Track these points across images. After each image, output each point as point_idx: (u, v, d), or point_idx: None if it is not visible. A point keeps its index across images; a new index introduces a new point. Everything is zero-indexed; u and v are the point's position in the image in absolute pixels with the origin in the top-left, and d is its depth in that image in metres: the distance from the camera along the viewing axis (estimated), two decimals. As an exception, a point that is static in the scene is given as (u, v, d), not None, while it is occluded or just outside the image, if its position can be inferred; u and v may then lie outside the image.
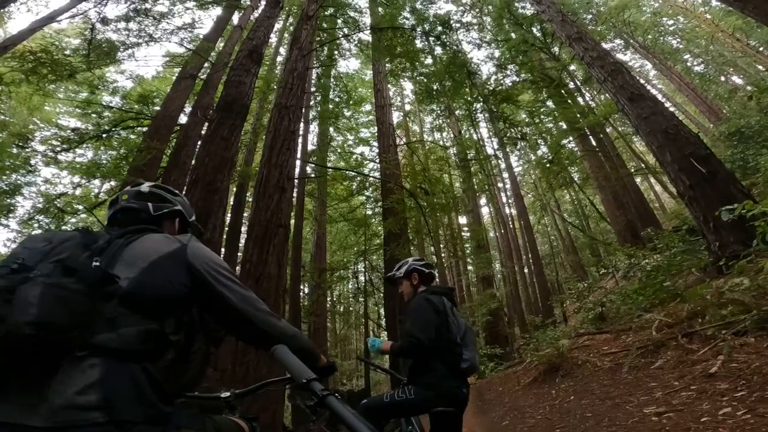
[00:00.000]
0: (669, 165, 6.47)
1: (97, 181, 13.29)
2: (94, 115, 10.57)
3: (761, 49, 19.19)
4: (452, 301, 2.52)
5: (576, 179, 17.28)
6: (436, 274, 2.69)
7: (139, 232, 1.14)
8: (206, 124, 9.09)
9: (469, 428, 5.29)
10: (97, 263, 0.95)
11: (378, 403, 2.36)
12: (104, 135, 9.83)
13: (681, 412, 2.95)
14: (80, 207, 11.74)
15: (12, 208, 11.13)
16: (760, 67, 19.37)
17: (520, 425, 4.52)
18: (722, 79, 22.36)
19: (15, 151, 9.98)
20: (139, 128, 10.56)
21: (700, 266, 6.84)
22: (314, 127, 17.15)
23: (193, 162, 8.44)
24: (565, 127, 15.03)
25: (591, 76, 9.72)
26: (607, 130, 15.49)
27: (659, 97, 20.14)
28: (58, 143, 10.20)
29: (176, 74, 11.79)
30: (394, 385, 2.58)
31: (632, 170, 15.00)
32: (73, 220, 12.48)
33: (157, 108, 10.49)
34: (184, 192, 8.20)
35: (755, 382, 2.83)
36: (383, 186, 11.32)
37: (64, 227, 11.33)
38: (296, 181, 11.95)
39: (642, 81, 11.56)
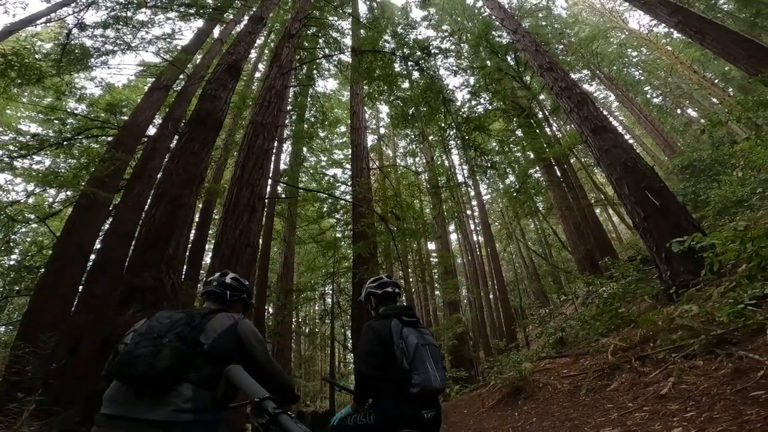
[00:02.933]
0: (626, 197, 6.81)
1: (52, 191, 12.78)
2: (56, 122, 10.22)
3: (716, 81, 20.41)
4: (409, 319, 2.40)
5: (541, 208, 17.91)
6: (395, 288, 2.63)
7: (214, 312, 1.95)
8: (176, 137, 8.92)
9: (433, 451, 5.24)
10: (193, 335, 1.78)
11: (343, 427, 2.36)
12: (65, 143, 9.50)
13: None
14: (32, 216, 11.16)
15: None
16: (715, 100, 20.58)
17: None
18: (678, 111, 23.94)
19: None
20: (103, 137, 10.29)
21: (652, 294, 7.19)
22: (287, 146, 17.12)
23: (160, 175, 8.21)
24: (532, 156, 15.66)
25: (559, 106, 10.03)
26: (571, 160, 16.20)
27: (620, 129, 21.37)
28: (16, 149, 9.75)
29: (149, 84, 11.54)
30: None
31: (593, 201, 15.72)
32: (24, 229, 11.87)
33: (125, 118, 10.28)
34: (148, 205, 7.97)
35: (704, 403, 3.00)
36: (354, 209, 11.35)
37: (13, 236, 10.87)
38: (266, 200, 11.86)
39: (605, 112, 12.25)
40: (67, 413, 4.87)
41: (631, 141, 15.79)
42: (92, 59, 9.66)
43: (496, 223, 24.94)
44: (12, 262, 11.83)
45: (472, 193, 22.12)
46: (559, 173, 15.31)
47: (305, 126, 14.64)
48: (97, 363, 5.49)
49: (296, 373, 15.00)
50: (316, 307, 22.64)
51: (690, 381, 3.58)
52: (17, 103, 12.39)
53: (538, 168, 15.89)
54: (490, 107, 14.06)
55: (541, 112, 17.06)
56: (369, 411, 2.30)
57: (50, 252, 8.89)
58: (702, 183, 11.40)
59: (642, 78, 24.22)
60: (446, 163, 19.65)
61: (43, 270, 8.66)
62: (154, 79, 11.16)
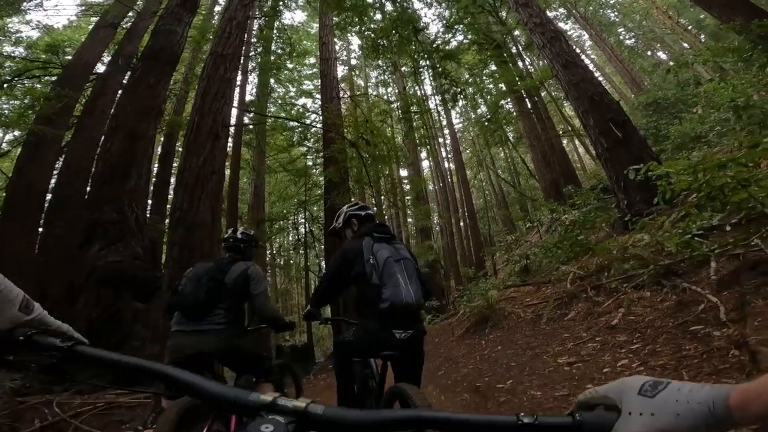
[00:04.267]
0: (591, 128, 7.05)
1: None
2: None
3: (690, 27, 20.43)
4: (381, 235, 2.38)
5: (510, 138, 18.04)
6: (367, 209, 2.66)
7: (235, 261, 2.81)
8: (129, 73, 8.28)
9: (404, 378, 5.70)
10: (220, 277, 2.66)
11: (336, 342, 2.56)
12: (5, 85, 8.96)
13: (587, 363, 3.38)
14: None
15: None
16: (686, 45, 20.68)
17: (453, 374, 4.88)
18: (648, 53, 23.99)
19: None
20: (47, 78, 9.75)
21: (610, 222, 7.57)
22: (253, 78, 16.20)
23: (113, 110, 7.68)
24: (504, 88, 15.51)
25: (532, 42, 10.02)
26: (542, 93, 16.27)
27: (591, 66, 21.40)
28: None
29: (93, 24, 10.71)
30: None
31: (560, 132, 16.00)
32: None
33: (69, 58, 9.68)
34: (102, 140, 7.51)
35: (648, 336, 3.30)
36: (325, 135, 11.17)
37: None
38: (232, 129, 11.33)
39: (577, 50, 12.13)
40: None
41: (600, 78, 15.84)
42: (25, 2, 8.61)
43: (467, 151, 25.09)
44: None
45: (444, 122, 21.88)
46: (529, 105, 15.46)
47: (272, 58, 13.99)
48: (67, 307, 5.48)
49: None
50: (290, 238, 22.80)
51: (638, 312, 3.90)
52: None
53: (509, 99, 15.91)
54: (464, 40, 13.45)
55: (514, 47, 16.79)
56: (352, 328, 2.37)
57: (3, 194, 8.46)
58: (664, 120, 11.75)
59: (617, 20, 23.94)
60: (418, 92, 19.14)
61: (-2, 214, 8.24)
62: (98, 18, 10.36)
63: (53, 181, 7.91)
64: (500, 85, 16.37)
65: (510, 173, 24.51)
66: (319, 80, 13.35)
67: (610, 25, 23.41)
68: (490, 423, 0.52)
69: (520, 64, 16.49)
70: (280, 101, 17.15)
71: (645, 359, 2.98)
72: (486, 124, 15.30)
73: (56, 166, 7.97)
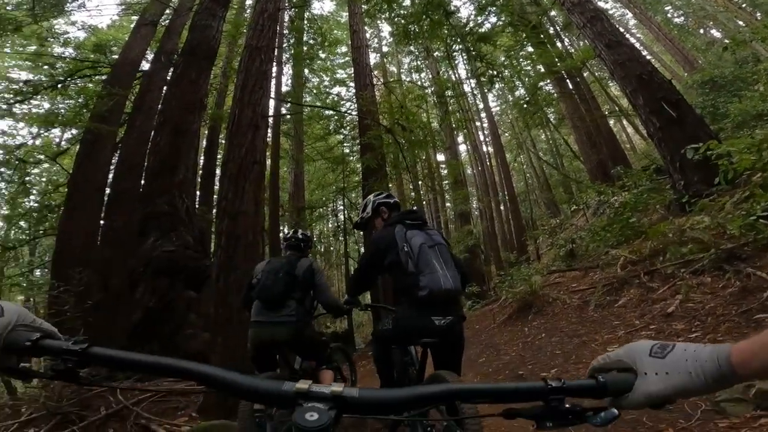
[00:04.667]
0: (641, 108, 6.70)
1: (57, 131, 13.13)
2: (46, 67, 10.09)
3: (744, 5, 18.84)
4: (414, 222, 2.35)
5: (552, 119, 17.36)
6: (385, 194, 2.66)
7: (299, 258, 3.14)
8: (171, 69, 8.65)
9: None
10: (293, 271, 2.99)
11: (375, 333, 2.66)
12: (59, 85, 9.52)
13: None
14: (42, 156, 11.37)
15: None
16: (740, 23, 19.10)
17: (495, 361, 4.82)
18: (701, 31, 22.22)
19: None
20: (97, 77, 10.24)
21: (664, 204, 7.14)
22: (288, 69, 16.45)
23: (160, 106, 8.07)
24: (542, 70, 14.91)
25: (571, 21, 9.59)
26: (584, 74, 15.58)
27: (637, 45, 20.24)
28: (11, 95, 9.71)
29: (134, 22, 11.16)
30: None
31: (606, 112, 15.21)
32: (36, 170, 12.15)
33: (116, 56, 10.10)
34: (152, 135, 7.93)
35: (708, 324, 3.10)
36: (360, 123, 11.12)
37: (28, 178, 11.56)
38: (271, 120, 11.58)
39: (621, 29, 11.45)
40: None
41: (648, 57, 14.86)
42: (68, 3, 9.09)
43: (506, 134, 24.32)
44: (33, 204, 12.51)
45: (481, 106, 21.34)
46: (571, 85, 14.83)
47: (304, 48, 14.06)
48: (129, 296, 5.86)
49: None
50: (329, 225, 23.16)
51: (697, 299, 3.67)
52: (1, 53, 11.98)
53: (549, 81, 15.27)
54: (498, 21, 12.94)
55: (552, 28, 16.07)
56: (390, 315, 2.38)
57: (66, 190, 9.12)
58: (722, 98, 10.98)
59: None
60: (453, 77, 18.72)
61: (62, 209, 8.93)
62: (138, 16, 10.76)
63: (110, 175, 8.40)
64: (538, 66, 15.73)
65: (552, 155, 23.60)
66: (352, 68, 13.29)
67: (655, 3, 21.76)
68: (520, 390, 0.54)
69: (558, 44, 15.82)
70: (314, 91, 17.28)
71: (706, 349, 2.79)
72: (525, 106, 14.74)
73: (112, 161, 8.48)
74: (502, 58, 14.58)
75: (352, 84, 14.41)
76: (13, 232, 14.15)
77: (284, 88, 16.20)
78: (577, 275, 6.81)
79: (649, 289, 4.40)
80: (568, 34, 16.66)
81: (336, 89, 18.01)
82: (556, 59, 13.94)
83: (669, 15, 22.40)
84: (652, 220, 7.08)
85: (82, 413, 3.48)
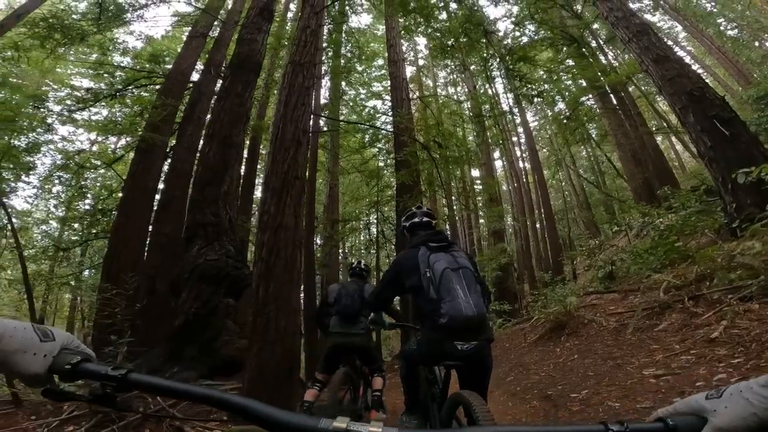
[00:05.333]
0: (691, 126, 6.40)
1: (113, 138, 13.77)
2: (106, 75, 10.76)
3: None
4: (438, 244, 2.30)
5: (594, 135, 16.82)
6: (423, 217, 2.58)
7: (365, 284, 4.06)
8: (219, 81, 9.15)
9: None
10: (362, 293, 3.85)
11: (404, 351, 2.72)
12: (118, 94, 10.07)
13: (678, 376, 3.11)
14: (98, 162, 12.15)
15: (32, 165, 11.61)
16: None
17: (524, 381, 4.74)
18: (756, 44, 21.11)
19: (31, 111, 10.20)
20: (151, 86, 10.79)
21: (714, 228, 6.80)
22: (326, 82, 16.85)
23: (209, 117, 8.56)
24: (584, 84, 14.56)
25: (615, 35, 9.32)
26: (630, 88, 15.00)
27: (687, 58, 19.36)
28: (73, 103, 10.42)
29: (186, 33, 11.80)
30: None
31: (653, 128, 14.62)
32: (92, 175, 12.99)
33: (169, 66, 10.63)
34: (201, 146, 8.40)
35: (752, 350, 2.95)
36: (396, 139, 11.26)
37: (83, 182, 12.13)
38: (310, 134, 11.95)
39: (670, 42, 11.02)
40: (152, 352, 5.60)
41: (700, 71, 14.09)
42: (128, 14, 9.79)
43: (544, 150, 23.72)
44: (87, 207, 13.23)
45: (518, 120, 21.00)
46: (615, 101, 14.36)
47: (342, 61, 14.34)
48: (173, 301, 6.15)
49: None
50: (362, 237, 23.28)
51: (743, 325, 3.50)
52: (65, 61, 12.96)
53: (590, 96, 14.90)
54: (535, 37, 12.78)
55: (594, 41, 15.60)
56: (417, 336, 2.40)
57: (120, 195, 9.75)
58: None
59: (714, 10, 21.07)
60: (489, 91, 18.58)
61: (115, 213, 9.54)
62: (190, 27, 11.30)
63: (160, 183, 8.92)
64: (580, 81, 15.36)
65: (593, 172, 22.84)
66: (389, 81, 13.53)
67: (706, 15, 20.76)
68: None
69: (602, 58, 15.35)
70: (351, 103, 17.59)
71: (746, 373, 2.70)
72: (565, 122, 14.41)
73: (162, 168, 9.01)
74: (541, 72, 14.37)
75: (388, 97, 14.63)
76: (66, 233, 14.83)
77: (322, 101, 16.61)
78: (615, 298, 6.58)
79: (692, 315, 4.21)
80: (612, 47, 16.22)
81: (372, 102, 18.28)
82: (599, 74, 13.57)
83: (722, 28, 21.28)
84: (700, 243, 6.77)
85: (121, 413, 3.66)
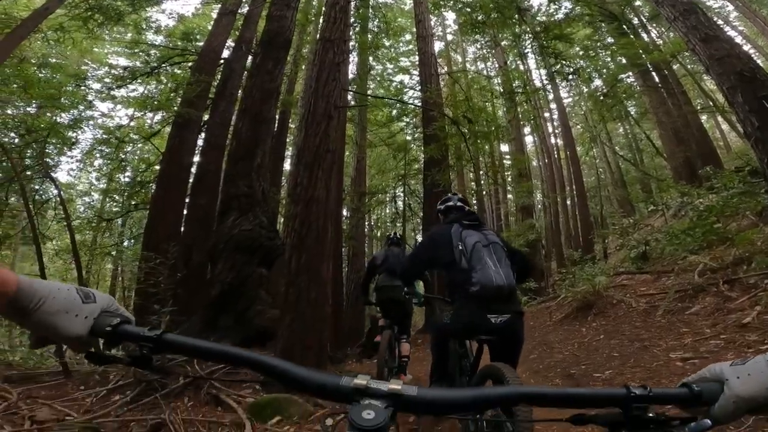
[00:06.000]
0: (740, 106, 6.08)
1: (149, 114, 14.29)
2: (141, 54, 11.04)
3: None
4: (470, 223, 2.43)
5: (632, 113, 16.05)
6: (458, 201, 2.71)
7: (402, 250, 4.96)
8: (250, 57, 9.28)
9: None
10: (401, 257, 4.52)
11: (434, 324, 3.07)
12: (153, 71, 10.39)
13: (705, 360, 3.09)
14: (136, 137, 12.73)
15: (75, 140, 12.21)
16: None
17: (547, 359, 4.77)
18: None
19: (72, 89, 10.63)
20: (184, 63, 11.02)
21: (756, 210, 6.56)
22: (353, 57, 16.71)
23: (240, 93, 8.71)
24: (624, 62, 13.88)
25: (659, 13, 8.81)
26: (674, 67, 14.16)
27: (738, 38, 18.00)
28: (111, 81, 10.83)
29: (215, 11, 11.82)
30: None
31: (698, 108, 13.83)
32: (131, 148, 13.61)
33: (200, 44, 10.82)
34: (234, 121, 8.63)
35: (786, 338, 2.90)
36: (424, 113, 11.22)
37: (123, 156, 12.81)
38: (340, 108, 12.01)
39: (720, 22, 10.18)
40: (190, 322, 5.87)
41: (751, 51, 13.01)
42: None
43: (578, 126, 22.61)
44: (126, 179, 13.93)
45: (551, 97, 20.21)
46: (657, 79, 13.61)
47: (369, 36, 14.11)
48: (209, 271, 6.43)
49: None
50: (387, 210, 23.41)
51: (777, 311, 3.42)
52: (102, 41, 13.29)
53: (630, 73, 14.29)
54: (571, 14, 12.04)
55: (636, 19, 14.65)
56: (449, 310, 2.44)
57: (157, 168, 10.18)
58: None
59: None
60: (521, 67, 17.94)
61: (154, 185, 9.98)
62: (220, 5, 11.33)
63: (195, 156, 9.21)
64: (619, 58, 14.59)
65: (631, 150, 21.89)
66: (416, 56, 13.42)
67: None
68: (596, 395, 0.51)
69: (644, 35, 14.43)
70: (378, 78, 17.46)
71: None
72: (602, 99, 13.80)
73: (197, 142, 9.29)
74: (577, 49, 13.73)
75: (416, 72, 14.45)
76: (108, 204, 15.54)
77: (350, 76, 16.52)
78: (647, 279, 6.45)
79: (726, 299, 4.13)
80: (655, 24, 15.24)
81: (399, 77, 18.05)
82: (641, 51, 12.85)
83: (776, 8, 19.64)
84: (740, 226, 6.51)
85: (163, 381, 3.87)
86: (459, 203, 2.67)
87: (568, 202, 19.76)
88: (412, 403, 0.49)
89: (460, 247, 2.26)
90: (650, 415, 0.50)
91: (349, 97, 15.03)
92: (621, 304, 5.45)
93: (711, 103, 14.86)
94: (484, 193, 20.47)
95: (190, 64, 10.60)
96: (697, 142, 11.68)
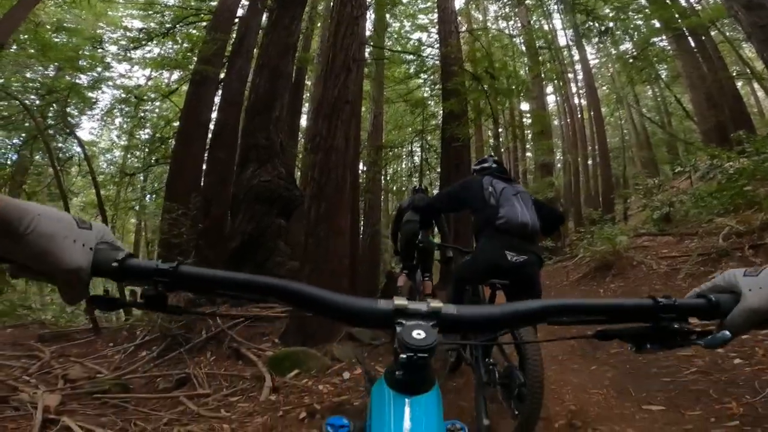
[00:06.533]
0: None
1: (166, 74, 14.38)
2: (156, 15, 10.82)
3: None
4: (498, 174, 2.62)
5: (663, 77, 15.47)
6: (493, 163, 2.81)
7: (424, 196, 4.97)
8: (265, 14, 9.13)
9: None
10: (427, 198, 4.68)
11: (458, 264, 3.05)
12: (169, 32, 10.23)
13: None
14: (154, 95, 12.94)
15: (95, 100, 12.56)
16: None
17: None
18: None
19: (89, 52, 10.72)
20: (198, 23, 10.90)
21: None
22: (370, 14, 16.16)
23: (257, 50, 8.54)
24: (657, 25, 13.35)
25: None
26: (712, 33, 13.57)
27: None
28: (127, 42, 10.76)
29: None
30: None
31: (734, 74, 13.44)
32: (150, 107, 13.80)
33: (214, 3, 10.61)
34: (251, 76, 8.55)
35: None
36: (444, 69, 11.04)
37: (142, 114, 13.23)
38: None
39: None
40: None
41: None
42: None
43: (604, 88, 22.17)
44: (146, 136, 14.25)
45: (576, 57, 19.56)
46: (693, 43, 13.15)
47: None
48: (230, 222, 6.55)
49: (384, 233, 16.27)
50: (404, 165, 23.28)
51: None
52: (117, 4, 13.29)
53: (664, 36, 13.77)
54: None
55: None
56: (466, 256, 2.63)
57: (177, 124, 10.30)
58: None
59: None
60: (546, 27, 17.21)
61: (173, 141, 10.08)
62: None
63: (214, 112, 9.25)
64: (652, 21, 13.90)
65: (658, 113, 21.31)
66: (435, 14, 12.94)
67: None
68: (624, 307, 0.51)
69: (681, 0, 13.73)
70: (395, 35, 17.04)
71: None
72: (630, 61, 13.28)
73: (215, 99, 9.29)
74: (607, 10, 13.16)
75: (434, 29, 13.97)
76: (129, 160, 15.98)
77: (367, 33, 16.11)
78: (669, 241, 6.33)
79: (750, 264, 4.03)
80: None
81: (417, 35, 17.55)
82: (677, 15, 12.35)
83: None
84: (768, 190, 6.29)
85: (187, 336, 4.02)
86: (494, 165, 2.77)
87: (590, 162, 19.55)
88: (452, 321, 0.47)
89: (490, 190, 2.42)
90: (675, 326, 0.50)
91: (367, 54, 14.69)
92: (641, 265, 5.37)
93: (748, 70, 14.32)
94: (502, 149, 20.19)
95: (204, 23, 10.46)
96: (731, 107, 11.49)
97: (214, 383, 3.23)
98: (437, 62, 11.90)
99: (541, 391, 1.78)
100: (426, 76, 14.27)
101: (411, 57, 13.49)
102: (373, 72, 15.45)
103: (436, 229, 5.77)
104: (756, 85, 19.13)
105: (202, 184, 8.02)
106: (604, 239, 6.53)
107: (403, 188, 24.08)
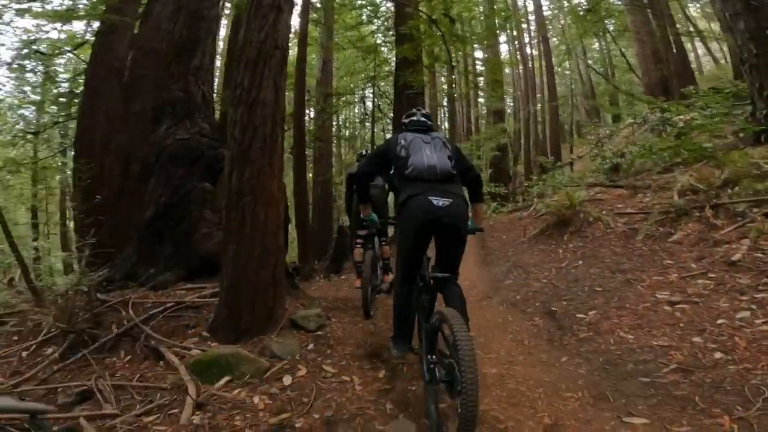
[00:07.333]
0: (740, 32, 6.33)
1: (81, 25, 13.10)
2: None
3: None
4: (417, 128, 2.66)
5: (610, 30, 15.95)
6: (421, 117, 2.78)
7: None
8: None
9: (471, 280, 5.41)
10: None
11: (396, 239, 2.90)
12: None
13: (696, 306, 2.86)
14: (65, 48, 11.78)
15: None
16: None
17: (524, 287, 4.53)
18: None
19: None
20: None
21: (737, 131, 6.58)
22: None
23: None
24: None
25: None
26: None
27: None
28: None
29: None
30: None
31: (680, 31, 14.27)
32: (60, 60, 13.00)
33: None
34: (165, 21, 7.41)
35: (780, 282, 2.69)
36: (398, 12, 10.60)
37: (52, 68, 12.38)
38: (299, 6, 10.64)
39: None
40: (123, 253, 5.15)
41: None
42: None
43: (554, 39, 22.87)
44: (61, 90, 12.86)
45: (531, 8, 20.08)
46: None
47: None
48: (142, 189, 5.63)
49: (337, 180, 15.77)
50: (356, 111, 22.65)
51: (767, 248, 3.22)
52: None
53: None
54: None
55: None
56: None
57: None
58: None
59: None
60: None
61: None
62: None
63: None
64: None
65: (603, 65, 22.81)
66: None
67: None
68: None
69: None
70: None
71: (772, 315, 2.39)
72: (582, 14, 13.42)
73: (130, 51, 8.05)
74: None
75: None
76: (45, 117, 14.45)
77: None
78: (622, 194, 6.20)
79: (711, 227, 3.90)
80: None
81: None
82: None
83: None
84: (718, 146, 6.33)
85: (94, 332, 3.34)
86: (422, 119, 2.76)
87: (539, 107, 20.36)
88: None
89: (402, 143, 2.50)
90: None
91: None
92: (598, 222, 5.17)
93: (692, 28, 14.97)
94: (455, 96, 20.09)
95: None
96: (676, 62, 12.19)
97: (125, 397, 2.61)
98: (391, 7, 11.33)
99: (476, 390, 1.66)
100: (379, 23, 13.96)
101: (363, 1, 13.02)
102: (321, 17, 14.62)
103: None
104: (697, 43, 20.18)
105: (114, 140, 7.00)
106: (556, 188, 6.32)
107: (357, 133, 23.46)
